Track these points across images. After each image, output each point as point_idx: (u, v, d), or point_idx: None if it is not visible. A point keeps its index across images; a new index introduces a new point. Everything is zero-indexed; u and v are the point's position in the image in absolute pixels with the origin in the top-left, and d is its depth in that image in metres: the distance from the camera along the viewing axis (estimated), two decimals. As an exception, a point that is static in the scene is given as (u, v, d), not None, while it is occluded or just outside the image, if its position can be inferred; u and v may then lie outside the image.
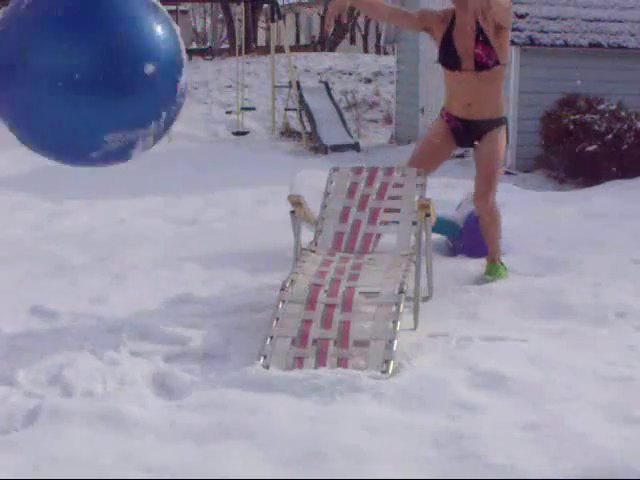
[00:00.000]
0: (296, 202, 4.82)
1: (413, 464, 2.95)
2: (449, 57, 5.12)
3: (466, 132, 5.27)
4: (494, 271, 5.32)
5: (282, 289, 4.22)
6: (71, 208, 7.84)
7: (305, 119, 12.96)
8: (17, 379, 3.68)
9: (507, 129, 5.38)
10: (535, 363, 3.87)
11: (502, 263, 5.40)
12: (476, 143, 5.27)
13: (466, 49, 5.02)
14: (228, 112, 13.97)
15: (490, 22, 4.87)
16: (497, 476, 2.86)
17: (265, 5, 20.36)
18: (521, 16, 10.31)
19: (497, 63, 5.03)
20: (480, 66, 5.02)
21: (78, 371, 3.76)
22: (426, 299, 4.76)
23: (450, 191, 6.95)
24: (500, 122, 5.27)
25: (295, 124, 13.62)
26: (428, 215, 4.61)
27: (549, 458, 2.97)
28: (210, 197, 8.38)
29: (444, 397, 3.47)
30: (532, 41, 10.24)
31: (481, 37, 4.99)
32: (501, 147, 5.26)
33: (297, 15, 41.29)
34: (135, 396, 3.54)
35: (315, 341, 3.94)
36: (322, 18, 29.45)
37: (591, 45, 10.39)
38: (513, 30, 10.21)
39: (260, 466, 2.93)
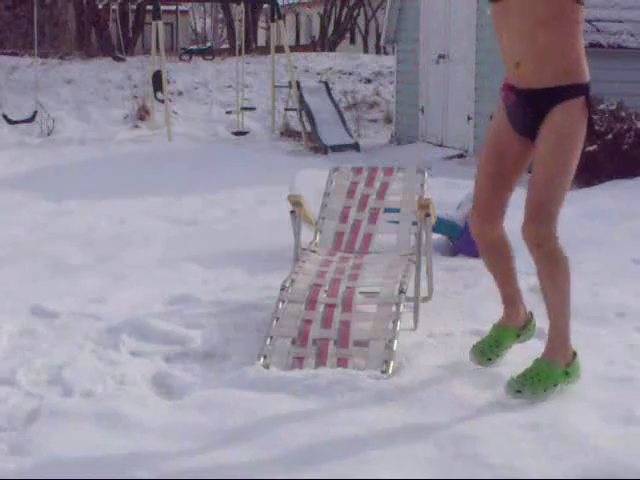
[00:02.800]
0: (296, 202, 4.82)
1: (413, 464, 2.95)
2: None
3: (521, 111, 3.42)
4: (537, 373, 3.35)
5: (282, 289, 4.21)
6: (71, 208, 7.84)
7: (305, 119, 12.95)
8: (17, 379, 3.68)
9: (589, 106, 3.35)
10: (535, 363, 3.86)
11: (571, 361, 3.46)
12: (538, 133, 3.40)
13: None
14: (228, 112, 13.95)
15: None
16: (497, 476, 2.86)
17: (265, 5, 20.35)
18: (521, 16, 10.30)
19: None
20: None
21: (78, 371, 3.76)
22: (426, 299, 4.76)
23: (450, 191, 6.93)
24: (574, 92, 3.31)
25: (295, 124, 13.60)
26: (428, 215, 4.60)
27: (549, 458, 2.97)
28: (210, 197, 8.37)
29: (444, 397, 3.47)
30: (532, 41, 10.23)
31: None
32: (572, 143, 3.37)
33: (297, 15, 41.26)
34: (135, 396, 3.54)
35: (315, 341, 3.94)
36: (322, 18, 29.42)
37: (591, 45, 10.37)
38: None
39: (260, 466, 2.93)
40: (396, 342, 3.88)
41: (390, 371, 3.71)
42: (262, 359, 3.83)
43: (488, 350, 3.68)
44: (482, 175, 3.61)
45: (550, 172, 3.34)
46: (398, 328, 3.97)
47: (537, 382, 3.34)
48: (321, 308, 4.13)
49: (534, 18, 3.27)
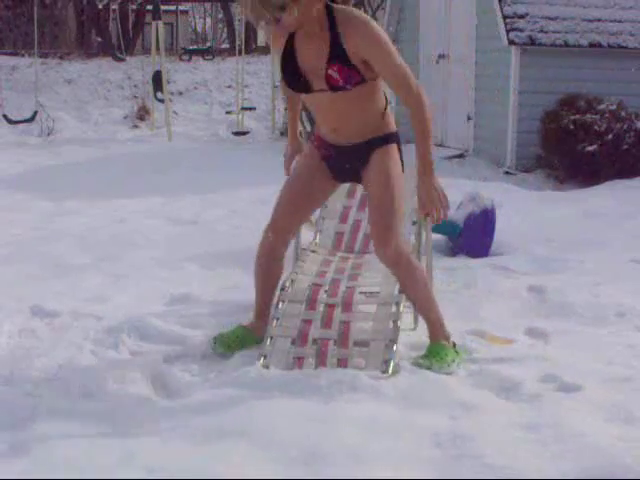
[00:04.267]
0: None
1: (413, 464, 2.95)
2: (293, 78, 3.74)
3: (341, 160, 3.88)
4: (436, 353, 3.84)
5: (282, 289, 4.21)
6: (71, 208, 7.84)
7: (305, 119, 12.95)
8: (17, 379, 3.68)
9: (400, 150, 3.89)
10: (535, 363, 3.87)
11: (454, 344, 3.94)
12: (363, 174, 3.86)
13: (314, 68, 3.65)
14: (228, 112, 13.96)
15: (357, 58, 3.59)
16: (497, 476, 2.86)
17: (265, 5, 20.27)
18: (521, 16, 10.30)
19: (362, 81, 3.63)
20: (336, 88, 3.64)
21: (78, 371, 3.76)
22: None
23: (450, 191, 6.93)
24: (389, 140, 3.84)
25: (295, 124, 13.62)
26: (428, 215, 4.60)
27: (549, 458, 2.97)
28: (210, 197, 8.38)
29: (444, 397, 3.47)
30: (532, 41, 10.23)
31: (337, 56, 3.57)
32: (395, 172, 3.80)
33: (297, 15, 41.23)
34: (135, 396, 3.54)
35: (315, 341, 3.94)
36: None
37: (591, 45, 10.39)
38: (513, 30, 10.21)
39: (260, 466, 2.93)
40: (397, 342, 3.88)
41: (390, 371, 3.71)
42: (262, 359, 3.83)
43: (233, 344, 4.05)
44: (287, 197, 4.02)
45: (387, 202, 3.78)
46: (399, 328, 3.98)
47: (441, 360, 3.81)
48: (321, 308, 4.13)
49: (344, 100, 3.69)
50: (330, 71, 3.61)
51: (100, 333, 4.28)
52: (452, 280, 5.23)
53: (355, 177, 3.94)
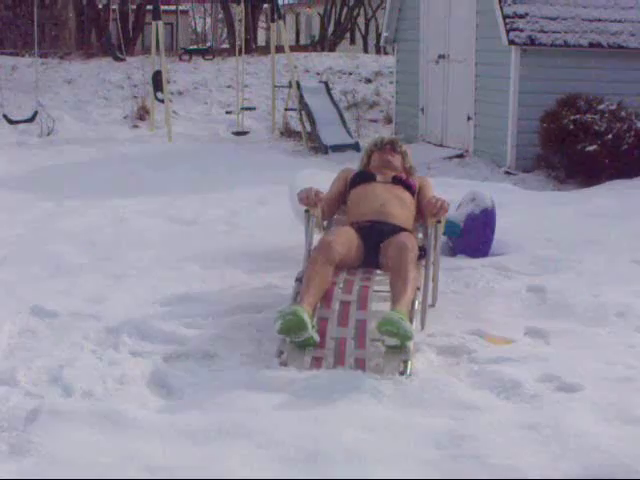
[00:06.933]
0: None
1: (413, 464, 2.95)
2: (364, 175, 5.00)
3: (371, 231, 4.65)
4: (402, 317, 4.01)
5: (297, 279, 4.20)
6: (71, 208, 7.84)
7: (305, 119, 12.94)
8: (17, 379, 3.68)
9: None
10: (535, 363, 3.87)
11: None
12: (381, 245, 4.56)
13: (385, 173, 4.97)
14: (228, 112, 13.93)
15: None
16: (497, 476, 2.87)
17: (265, 5, 20.35)
18: (521, 16, 10.30)
19: (413, 194, 4.90)
20: (397, 180, 4.91)
21: (78, 371, 3.76)
22: (430, 306, 4.73)
23: (450, 191, 6.93)
24: (408, 231, 4.73)
25: (295, 124, 13.61)
26: (439, 222, 4.59)
27: (549, 458, 2.98)
28: (210, 197, 8.37)
29: (444, 397, 3.47)
30: (532, 41, 10.23)
31: (406, 174, 5.04)
32: (413, 244, 4.46)
33: (297, 15, 41.30)
34: (135, 396, 3.54)
35: (332, 339, 3.93)
36: (322, 18, 29.44)
37: (591, 45, 10.39)
38: (513, 30, 10.23)
39: (260, 466, 2.93)
40: (412, 342, 3.87)
41: (408, 371, 3.70)
42: (280, 355, 3.82)
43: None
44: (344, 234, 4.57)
45: (403, 255, 4.32)
46: (414, 326, 3.98)
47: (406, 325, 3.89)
48: (337, 306, 4.12)
49: (396, 190, 4.88)
50: (400, 175, 4.97)
51: (100, 333, 4.28)
52: (452, 280, 5.22)
53: (375, 247, 4.54)
